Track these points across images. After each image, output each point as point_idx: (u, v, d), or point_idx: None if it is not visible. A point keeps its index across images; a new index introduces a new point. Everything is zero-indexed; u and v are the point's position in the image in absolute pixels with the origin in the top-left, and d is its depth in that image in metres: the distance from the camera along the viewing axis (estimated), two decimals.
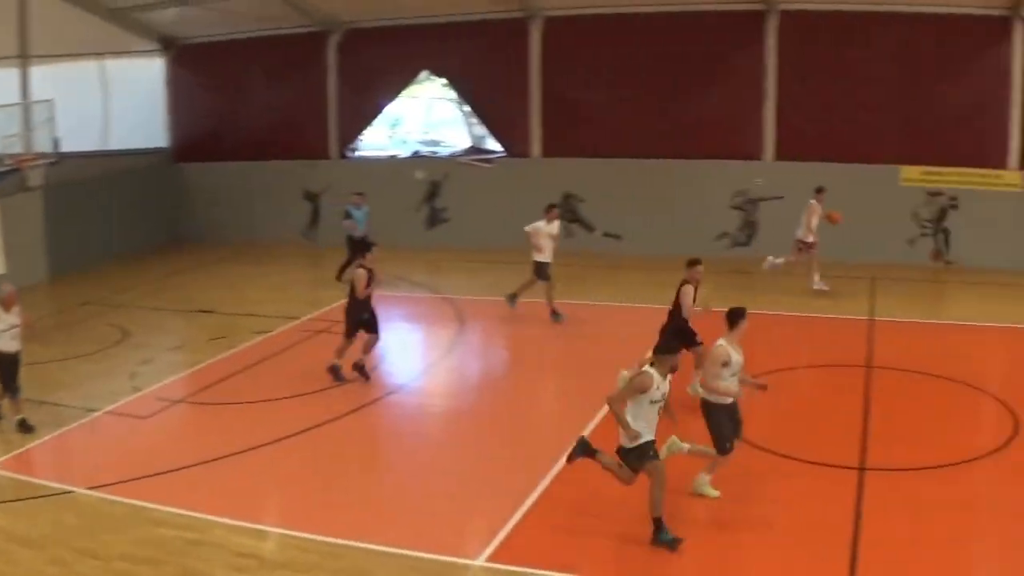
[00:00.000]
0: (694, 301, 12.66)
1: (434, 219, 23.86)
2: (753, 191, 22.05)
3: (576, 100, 22.64)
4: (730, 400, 9.87)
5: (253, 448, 11.56)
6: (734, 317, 9.90)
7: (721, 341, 9.80)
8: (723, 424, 9.81)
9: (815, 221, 19.05)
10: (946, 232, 22.03)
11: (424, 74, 23.87)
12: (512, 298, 17.09)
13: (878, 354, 15.41)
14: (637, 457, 8.95)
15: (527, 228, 16.68)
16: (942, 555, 9.04)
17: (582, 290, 19.25)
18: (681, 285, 12.77)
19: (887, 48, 21.95)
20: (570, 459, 9.54)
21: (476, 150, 23.57)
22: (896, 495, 10.15)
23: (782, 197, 21.99)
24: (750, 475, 10.84)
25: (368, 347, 13.68)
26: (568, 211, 22.55)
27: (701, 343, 12.53)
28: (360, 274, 13.37)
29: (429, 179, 23.83)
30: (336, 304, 18.58)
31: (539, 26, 22.72)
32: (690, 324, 12.76)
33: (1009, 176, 21.95)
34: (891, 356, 15.26)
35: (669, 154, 22.07)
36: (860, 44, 21.96)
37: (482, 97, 23.30)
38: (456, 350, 15.97)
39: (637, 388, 8.87)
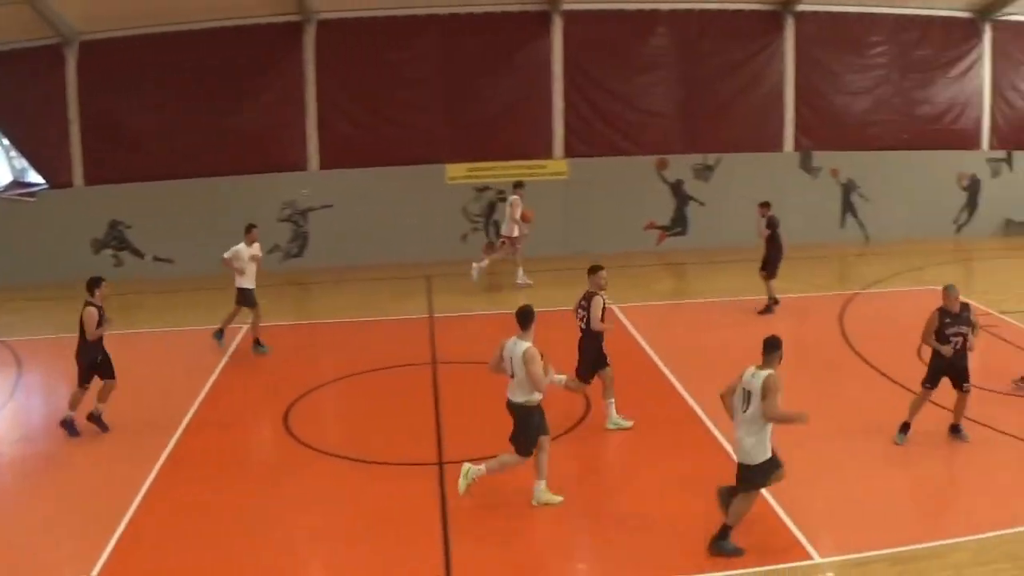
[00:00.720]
0: (603, 314, 12.19)
1: None
2: (301, 202, 22.45)
3: (119, 124, 22.52)
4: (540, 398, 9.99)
5: None
6: (529, 317, 10.07)
7: (527, 343, 9.93)
8: (536, 425, 10.03)
9: (517, 215, 19.63)
10: (496, 225, 22.96)
11: None
12: (219, 334, 16.25)
13: (441, 350, 16.01)
14: (773, 467, 9.10)
15: (225, 255, 15.75)
16: (532, 537, 9.59)
17: (142, 318, 18.80)
18: (591, 297, 12.22)
19: (429, 49, 22.81)
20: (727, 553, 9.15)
21: (18, 184, 23.18)
22: (478, 486, 10.49)
23: (331, 205, 22.50)
24: (333, 483, 11.03)
25: (105, 394, 12.66)
26: (115, 239, 22.47)
27: (608, 364, 12.35)
28: (91, 312, 12.34)
29: None
30: None
31: (75, 52, 22.60)
32: (603, 338, 12.33)
33: (555, 165, 23.14)
34: (455, 351, 15.88)
35: (215, 171, 22.13)
36: (400, 47, 22.72)
37: (19, 128, 22.95)
38: (18, 395, 14.93)
39: (779, 390, 8.91)
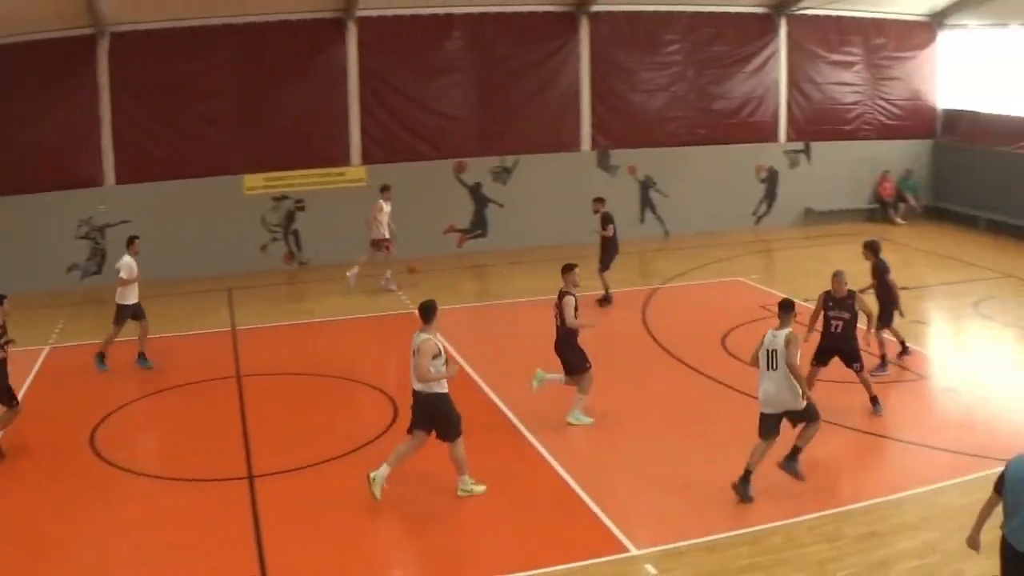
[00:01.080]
0: (576, 311, 12.81)
1: None
2: (98, 218, 22.89)
3: None
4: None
5: None
6: (430, 310, 10.61)
7: (426, 335, 10.46)
8: (454, 408, 10.68)
9: (383, 219, 20.42)
10: (296, 234, 23.71)
11: None
12: (142, 358, 16.40)
13: (246, 362, 16.41)
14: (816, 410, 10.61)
15: (123, 275, 15.82)
16: (346, 545, 9.94)
17: None
18: (562, 296, 12.88)
19: (225, 59, 23.20)
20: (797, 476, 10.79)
21: None
22: (290, 496, 11.00)
23: (129, 221, 22.88)
24: (144, 503, 11.15)
25: (7, 422, 12.64)
26: None
27: (590, 366, 13.01)
28: None
29: None
30: None
31: None
32: (578, 336, 12.99)
33: (353, 172, 23.86)
34: (260, 362, 16.35)
35: (9, 190, 22.38)
36: (196, 58, 23.08)
37: None
38: None
39: (799, 346, 10.48)
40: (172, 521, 10.62)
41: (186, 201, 22.99)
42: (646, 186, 25.45)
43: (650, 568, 9.29)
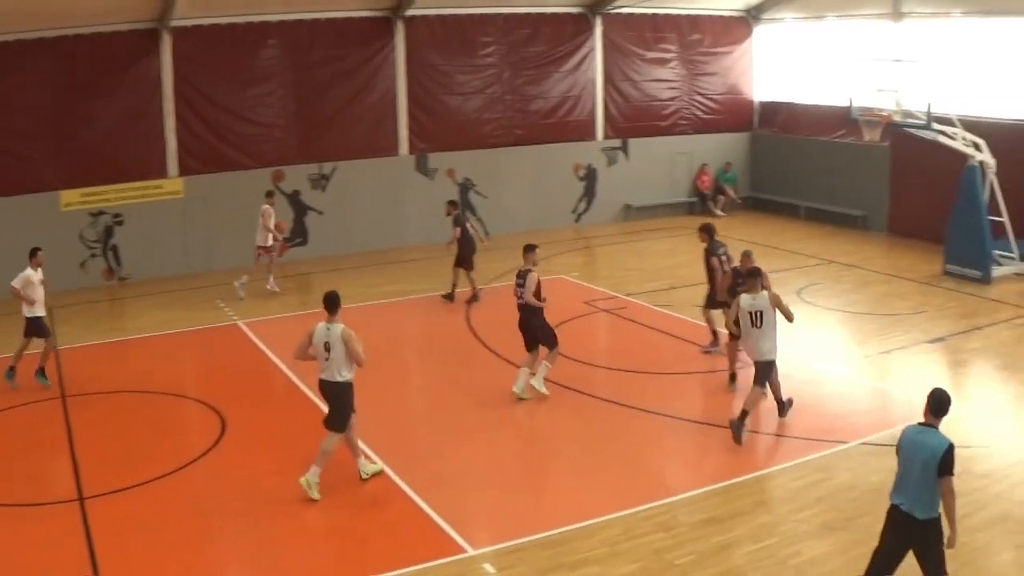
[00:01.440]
0: (538, 289, 13.78)
1: None
2: None
3: None
4: None
5: None
6: (336, 302, 11.14)
7: (341, 325, 11.00)
8: (351, 402, 11.23)
9: (271, 224, 21.05)
10: (115, 249, 24.18)
11: None
12: (11, 372, 16.37)
13: (70, 382, 16.53)
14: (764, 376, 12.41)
15: (14, 283, 15.87)
16: (183, 561, 10.08)
17: None
18: (526, 274, 13.87)
19: (37, 74, 23.22)
20: (739, 439, 12.15)
21: None
22: (124, 517, 11.06)
23: None
24: None
25: None
26: None
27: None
28: None
29: None
30: None
31: None
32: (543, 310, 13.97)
33: (170, 184, 24.35)
34: (84, 381, 16.50)
35: None
36: (8, 73, 23.00)
37: None
38: None
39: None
40: (2, 548, 10.54)
41: (0, 219, 23.17)
42: (465, 188, 26.35)
43: (488, 567, 9.66)
